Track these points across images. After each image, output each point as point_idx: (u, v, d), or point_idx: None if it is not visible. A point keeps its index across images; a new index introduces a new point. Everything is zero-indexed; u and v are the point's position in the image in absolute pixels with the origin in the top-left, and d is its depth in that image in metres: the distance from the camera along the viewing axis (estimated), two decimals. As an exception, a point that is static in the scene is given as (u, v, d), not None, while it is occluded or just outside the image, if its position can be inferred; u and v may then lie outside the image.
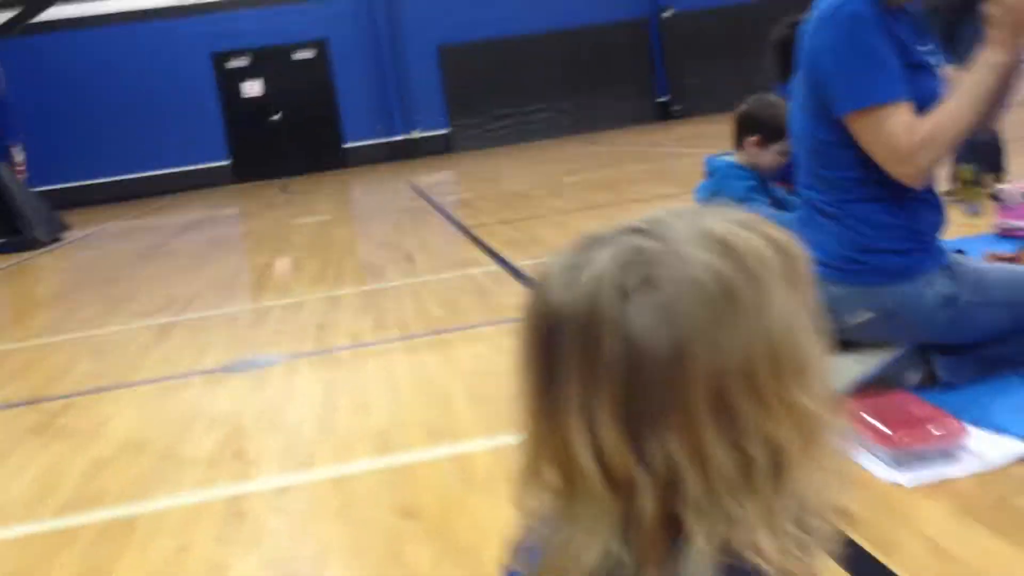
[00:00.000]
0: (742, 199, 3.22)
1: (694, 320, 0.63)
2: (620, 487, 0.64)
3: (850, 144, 2.13)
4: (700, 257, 0.64)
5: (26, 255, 9.19)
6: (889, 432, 1.91)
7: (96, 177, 16.63)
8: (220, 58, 17.08)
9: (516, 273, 4.61)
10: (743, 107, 3.38)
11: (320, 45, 17.26)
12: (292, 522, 2.13)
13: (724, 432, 0.63)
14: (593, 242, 0.68)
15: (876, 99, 2.06)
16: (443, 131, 17.58)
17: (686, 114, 17.36)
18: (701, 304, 0.63)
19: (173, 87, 16.72)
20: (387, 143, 17.50)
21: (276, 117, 17.36)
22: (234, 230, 9.56)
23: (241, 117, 17.29)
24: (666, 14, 17.35)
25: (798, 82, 2.26)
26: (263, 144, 17.38)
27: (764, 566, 0.63)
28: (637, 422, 0.64)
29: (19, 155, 16.16)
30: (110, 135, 16.56)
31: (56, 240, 10.20)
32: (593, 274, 0.65)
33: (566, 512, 0.68)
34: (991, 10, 2.03)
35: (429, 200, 9.17)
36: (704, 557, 0.63)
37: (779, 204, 3.31)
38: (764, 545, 0.63)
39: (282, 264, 6.29)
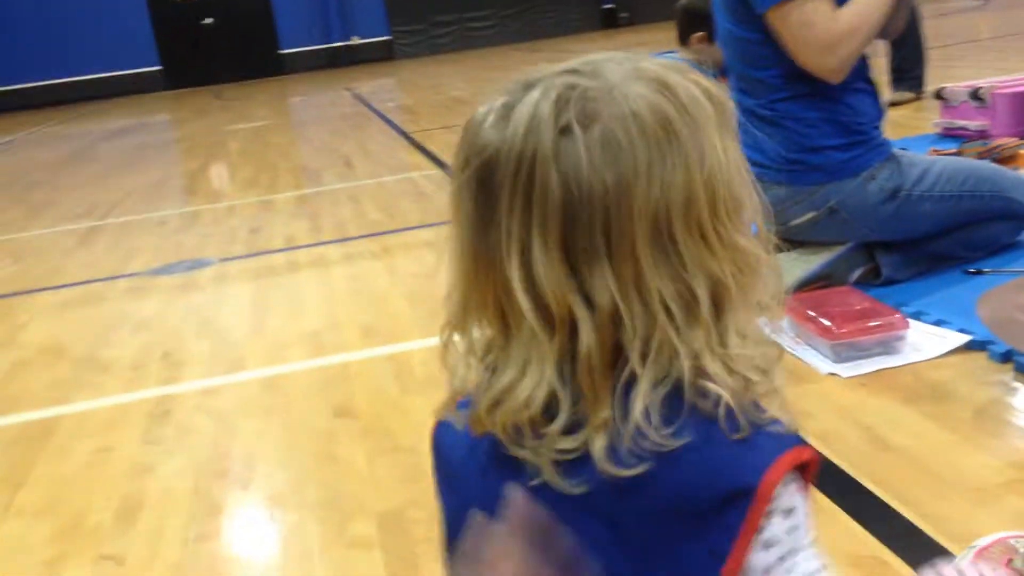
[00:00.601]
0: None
1: (634, 153, 0.62)
2: (561, 325, 0.64)
3: (775, 43, 2.09)
4: (638, 91, 0.64)
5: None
6: (829, 325, 1.89)
7: (18, 82, 15.92)
8: (148, -43, 16.30)
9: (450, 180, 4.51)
10: (684, 2, 3.28)
11: (254, -55, 16.55)
12: (221, 422, 2.05)
13: (665, 266, 0.64)
14: (526, 83, 0.67)
15: None
16: (383, 38, 17.10)
17: (633, 21, 17.10)
18: (641, 138, 0.63)
19: (98, -13, 15.95)
20: (325, 49, 16.99)
21: (208, 21, 16.71)
22: (165, 136, 9.24)
23: (171, 21, 16.60)
24: (612, -82, 16.95)
25: None
26: (195, 49, 16.74)
27: (713, 387, 0.63)
28: (578, 258, 0.63)
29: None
30: (33, 38, 15.80)
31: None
32: (528, 111, 0.64)
33: (503, 357, 0.67)
34: None
35: (369, 106, 8.93)
36: (649, 388, 0.63)
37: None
38: (712, 368, 0.64)
39: (214, 169, 6.09)
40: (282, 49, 16.95)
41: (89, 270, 3.61)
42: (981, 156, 2.72)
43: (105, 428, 2.08)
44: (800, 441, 0.65)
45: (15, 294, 3.38)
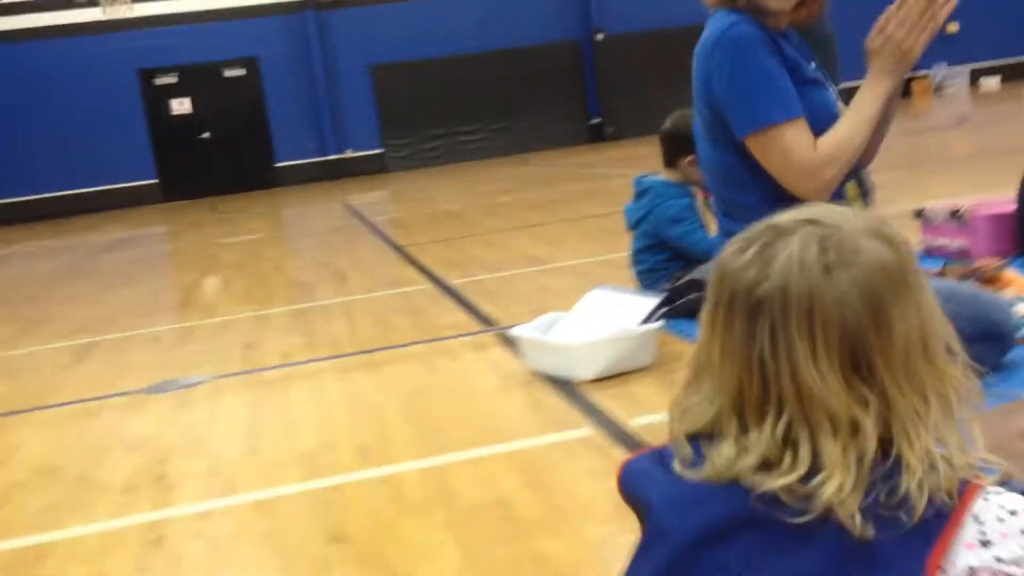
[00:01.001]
0: (677, 218, 3.22)
1: (885, 294, 0.87)
2: (846, 424, 0.86)
3: (756, 166, 2.14)
4: (876, 246, 0.88)
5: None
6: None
7: (16, 195, 16.14)
8: (148, 75, 16.75)
9: (450, 292, 4.56)
10: (671, 126, 3.39)
11: (250, 63, 17.05)
12: (214, 548, 2.04)
13: (911, 382, 0.87)
14: (774, 232, 0.90)
15: (774, 119, 2.07)
16: (376, 151, 17.47)
17: (618, 136, 17.54)
18: (888, 282, 0.87)
19: (99, 104, 16.33)
20: (319, 162, 17.33)
21: (205, 135, 17.07)
22: (160, 249, 9.34)
23: (169, 135, 16.95)
24: (598, 37, 17.54)
25: (697, 110, 2.26)
26: (192, 163, 17.06)
27: (956, 471, 0.86)
28: (853, 372, 0.86)
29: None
30: (32, 152, 16.09)
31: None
32: (792, 256, 0.88)
33: (806, 454, 0.87)
34: (873, 42, 2.08)
35: (362, 219, 9.07)
36: (915, 470, 0.84)
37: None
38: (955, 459, 0.87)
39: (209, 283, 6.15)
40: (277, 162, 17.29)
41: (82, 388, 3.61)
42: (964, 277, 2.79)
43: (98, 554, 2.06)
44: None
45: (9, 413, 3.38)
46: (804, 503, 0.85)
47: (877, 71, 2.09)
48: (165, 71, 16.79)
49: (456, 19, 17.16)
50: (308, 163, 17.30)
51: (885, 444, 0.86)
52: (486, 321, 3.80)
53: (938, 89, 15.43)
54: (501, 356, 3.21)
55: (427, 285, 4.86)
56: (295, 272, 6.17)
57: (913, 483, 0.84)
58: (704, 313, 0.95)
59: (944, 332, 0.90)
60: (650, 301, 2.87)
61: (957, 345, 0.90)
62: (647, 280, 3.39)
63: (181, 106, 17.01)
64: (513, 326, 3.15)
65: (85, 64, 16.18)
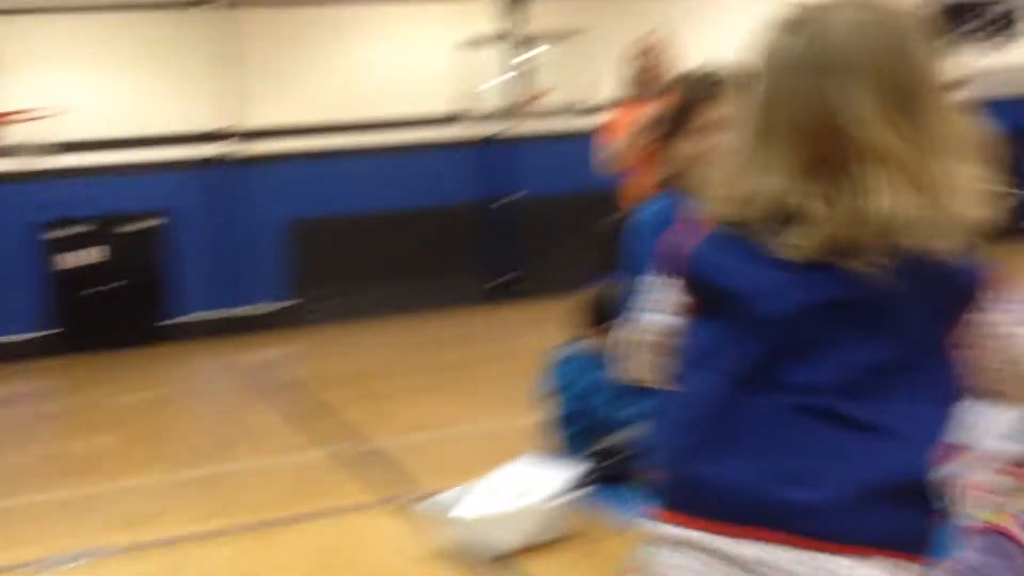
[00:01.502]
0: (594, 387, 3.16)
1: (922, 48, 1.09)
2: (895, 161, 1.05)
3: None
4: (909, 13, 1.12)
5: None
6: None
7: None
8: (49, 225, 16.39)
9: (359, 457, 4.36)
10: (595, 294, 3.37)
11: (161, 214, 16.86)
12: None
13: (939, 121, 1.08)
14: (819, 11, 1.10)
15: None
16: (285, 305, 17.26)
17: (534, 294, 17.72)
18: (924, 38, 1.09)
19: (-1, 252, 15.85)
20: (226, 316, 16.98)
21: (106, 287, 16.64)
22: (50, 407, 8.86)
23: (68, 286, 16.48)
24: (509, 198, 17.97)
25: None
26: (88, 315, 16.52)
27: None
28: (898, 114, 1.05)
29: None
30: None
31: None
32: (844, 24, 1.09)
33: (851, 188, 1.05)
34: None
35: (268, 377, 8.80)
36: (948, 195, 1.07)
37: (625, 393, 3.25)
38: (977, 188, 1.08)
39: (95, 445, 5.77)
40: (182, 316, 16.86)
41: (-56, 567, 3.26)
42: None
43: None
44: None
45: None
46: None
47: None
48: (69, 221, 16.48)
49: (377, 176, 17.42)
50: (215, 317, 16.94)
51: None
52: (397, 490, 3.60)
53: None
54: (410, 529, 3.02)
55: (342, 446, 4.65)
56: (192, 435, 5.86)
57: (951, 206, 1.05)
58: (754, 100, 1.11)
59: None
60: (569, 471, 2.75)
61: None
62: (566, 450, 3.29)
63: (82, 257, 16.63)
64: (426, 496, 2.98)
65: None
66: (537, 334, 9.51)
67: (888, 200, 1.01)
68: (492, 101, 15.59)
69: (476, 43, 15.48)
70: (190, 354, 13.62)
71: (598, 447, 3.06)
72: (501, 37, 16.49)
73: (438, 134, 17.69)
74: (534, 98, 14.72)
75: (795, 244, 1.04)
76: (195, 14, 16.93)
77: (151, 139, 16.64)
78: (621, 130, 4.24)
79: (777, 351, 1.03)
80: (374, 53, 17.70)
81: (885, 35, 1.05)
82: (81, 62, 16.46)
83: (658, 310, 1.18)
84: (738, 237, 1.08)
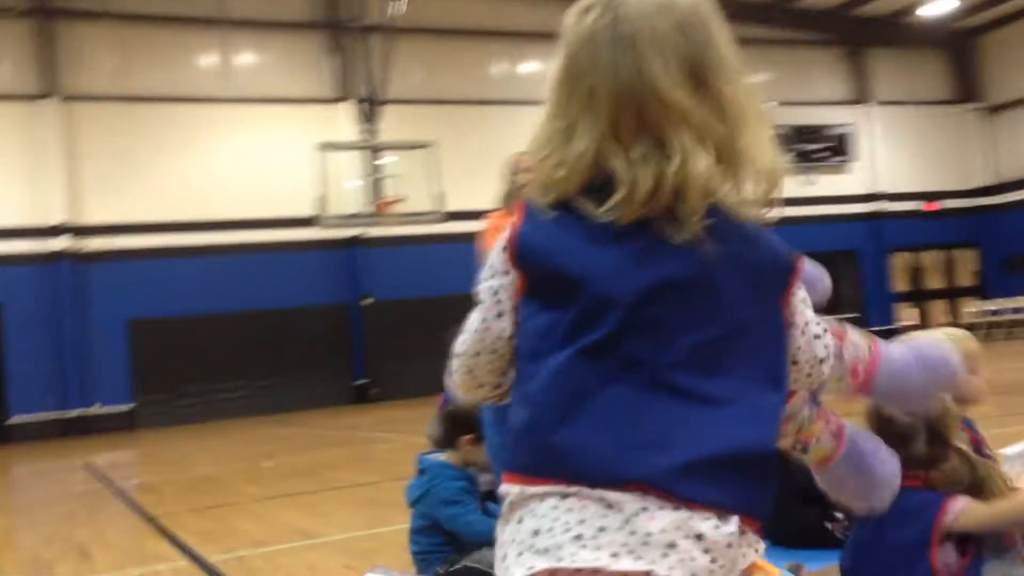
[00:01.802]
0: (453, 500, 3.24)
1: (710, 24, 1.18)
2: (696, 126, 1.14)
3: None
4: None
5: None
6: None
7: None
8: None
9: (207, 569, 4.27)
10: (452, 407, 3.47)
11: (-7, 309, 16.03)
12: None
13: (732, 91, 1.18)
14: None
15: None
16: (126, 407, 16.55)
17: (383, 397, 17.63)
18: (711, 15, 1.19)
19: None
20: (61, 419, 16.13)
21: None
22: None
23: None
24: (366, 301, 17.99)
25: None
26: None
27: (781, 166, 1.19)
28: (694, 83, 1.14)
29: None
30: None
31: None
32: (633, 5, 1.17)
33: (654, 152, 1.12)
34: None
35: (109, 484, 8.41)
36: (754, 157, 1.18)
37: (489, 502, 3.36)
38: (773, 154, 1.19)
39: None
40: (11, 415, 15.92)
41: None
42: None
43: None
44: None
45: None
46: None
47: None
48: None
49: (221, 277, 17.12)
50: (49, 418, 16.06)
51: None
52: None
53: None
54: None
55: (182, 562, 4.53)
56: (29, 548, 5.56)
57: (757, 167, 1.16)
58: (558, 75, 1.18)
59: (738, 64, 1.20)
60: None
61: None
62: (422, 563, 3.34)
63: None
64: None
65: None
66: (389, 441, 9.51)
67: (693, 162, 1.09)
68: (345, 205, 15.77)
69: (330, 147, 15.71)
70: (23, 457, 12.83)
71: (454, 564, 3.12)
72: (355, 144, 16.78)
73: (289, 235, 17.66)
74: (386, 204, 15.01)
75: (611, 208, 1.10)
76: (33, 106, 16.54)
77: (-15, 231, 15.93)
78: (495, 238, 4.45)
79: (620, 329, 1.09)
80: (227, 152, 17.63)
81: (668, 14, 1.13)
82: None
83: (493, 315, 1.20)
84: (560, 212, 1.13)
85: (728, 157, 1.13)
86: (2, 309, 16.11)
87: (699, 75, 1.14)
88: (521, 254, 1.15)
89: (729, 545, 1.07)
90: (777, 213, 1.19)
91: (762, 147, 1.16)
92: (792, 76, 22.39)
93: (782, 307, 1.20)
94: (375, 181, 15.36)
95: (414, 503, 3.39)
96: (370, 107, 15.72)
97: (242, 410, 16.77)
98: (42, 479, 10.06)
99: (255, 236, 17.34)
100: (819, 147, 22.28)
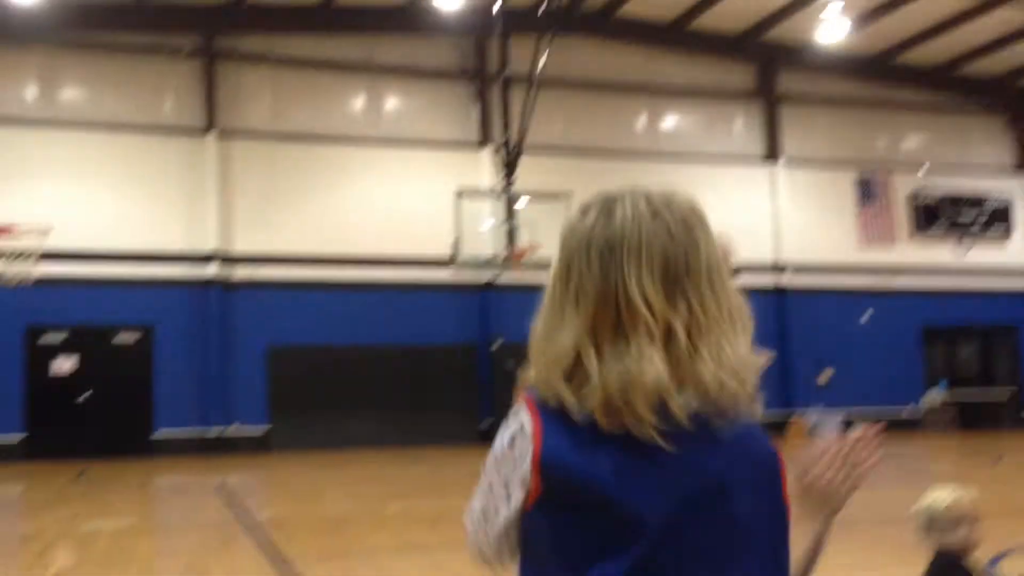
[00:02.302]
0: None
1: (698, 224, 1.26)
2: (661, 331, 1.20)
3: None
4: (682, 198, 1.28)
5: None
6: None
7: None
8: (35, 331, 16.46)
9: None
10: None
11: (146, 329, 16.98)
12: None
13: (712, 295, 1.23)
14: (610, 199, 1.27)
15: None
16: (261, 428, 17.20)
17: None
18: (695, 217, 1.26)
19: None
20: (201, 436, 16.90)
21: (83, 397, 16.58)
22: (17, 529, 8.73)
23: (47, 392, 16.42)
24: (496, 343, 18.19)
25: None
26: (66, 422, 16.42)
27: (746, 372, 1.23)
28: (672, 287, 1.22)
29: None
30: None
31: None
32: (629, 209, 1.25)
33: (624, 353, 1.20)
34: (801, 481, 2.25)
35: (242, 515, 8.76)
36: (710, 365, 1.20)
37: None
38: (745, 354, 1.24)
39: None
40: (156, 429, 16.77)
41: None
42: None
43: None
44: None
45: None
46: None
47: (805, 511, 2.22)
48: (54, 328, 16.55)
49: (360, 311, 17.67)
50: (190, 436, 16.84)
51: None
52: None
53: (812, 431, 16.32)
54: None
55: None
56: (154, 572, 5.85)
57: (709, 376, 1.20)
58: (554, 274, 1.27)
59: (730, 272, 1.28)
60: None
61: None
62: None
63: (64, 365, 16.63)
64: None
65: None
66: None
67: (654, 366, 1.17)
68: (481, 249, 16.07)
69: (469, 193, 16.05)
70: (164, 470, 13.50)
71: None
72: (493, 191, 17.10)
73: (425, 275, 18.09)
74: (520, 254, 15.19)
75: (579, 401, 1.18)
76: (194, 141, 17.52)
77: (143, 256, 16.92)
78: None
79: (653, 549, 1.16)
80: (369, 192, 18.25)
81: (658, 222, 1.22)
82: (82, 177, 16.85)
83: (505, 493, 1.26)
84: (570, 421, 1.19)
85: (688, 363, 1.20)
86: (153, 329, 17.03)
87: (677, 280, 1.22)
88: (547, 471, 1.19)
89: None
90: (759, 409, 1.26)
91: (731, 349, 1.22)
92: (951, 142, 21.71)
93: (784, 497, 1.31)
94: (510, 228, 15.57)
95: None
96: (509, 155, 15.99)
97: (371, 440, 17.16)
98: (181, 502, 10.54)
99: (392, 274, 17.83)
100: (977, 216, 21.37)
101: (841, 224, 20.91)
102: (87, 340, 16.68)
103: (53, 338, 16.58)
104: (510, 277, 17.34)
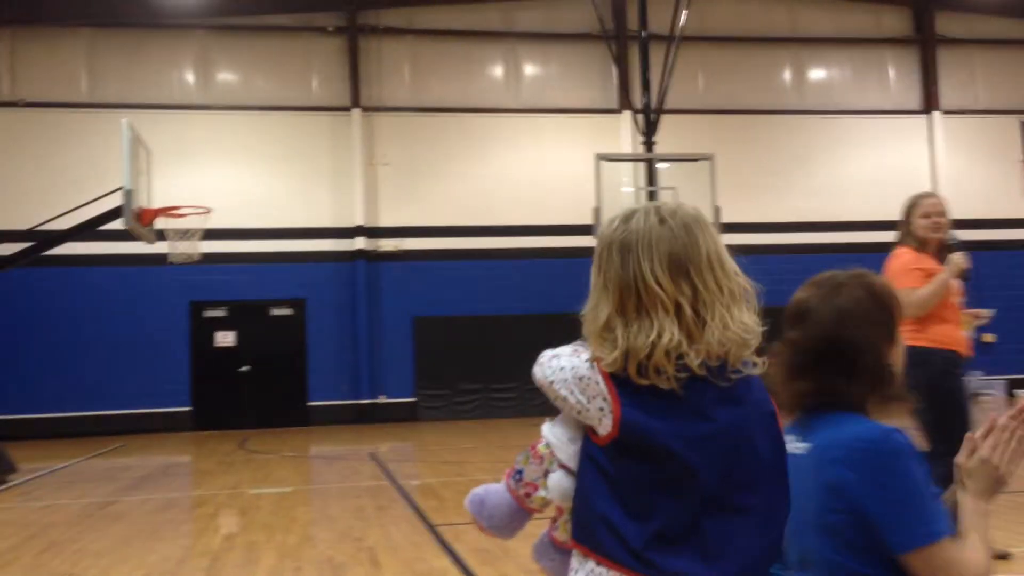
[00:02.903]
0: None
1: (697, 227, 1.64)
2: (673, 307, 1.60)
3: None
4: (687, 209, 1.67)
5: (-34, 500, 8.81)
6: None
7: (56, 410, 16.32)
8: (198, 307, 17.34)
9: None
10: None
11: (297, 304, 17.63)
12: None
13: (712, 279, 1.62)
14: (628, 212, 1.67)
15: (938, 534, 2.02)
16: (408, 400, 17.62)
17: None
18: (696, 223, 1.65)
19: (148, 329, 16.85)
20: (352, 405, 17.47)
21: (244, 369, 17.39)
22: (188, 494, 9.24)
23: (210, 365, 17.31)
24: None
25: (815, 513, 2.16)
26: (227, 394, 17.29)
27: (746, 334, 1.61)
28: (678, 274, 1.60)
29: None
30: (75, 369, 16.44)
31: (1, 483, 9.82)
32: (642, 218, 1.66)
33: (648, 326, 1.59)
34: (967, 463, 2.09)
35: (393, 481, 9.00)
36: (715, 331, 1.58)
37: None
38: (747, 320, 1.63)
39: (237, 548, 6.03)
40: (310, 401, 17.45)
41: None
42: None
43: None
44: None
45: None
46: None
47: (973, 492, 2.09)
48: (215, 304, 17.39)
49: (500, 280, 17.80)
50: (340, 404, 17.44)
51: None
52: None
53: (974, 399, 15.50)
54: None
55: (462, 583, 4.73)
56: (326, 546, 6.05)
57: (714, 339, 1.58)
58: (592, 267, 1.68)
59: (731, 258, 1.67)
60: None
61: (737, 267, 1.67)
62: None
63: (225, 339, 17.46)
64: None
65: (141, 292, 16.84)
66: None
67: (664, 335, 1.57)
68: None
69: (608, 158, 15.84)
70: (319, 438, 14.06)
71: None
72: (633, 156, 16.83)
73: (566, 242, 18.02)
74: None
75: (679, 367, 1.58)
76: (339, 117, 17.96)
77: (294, 231, 17.54)
78: (908, 276, 4.61)
79: (713, 474, 1.60)
80: (510, 160, 18.29)
81: (665, 227, 1.63)
82: (237, 158, 17.57)
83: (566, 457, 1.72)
84: (645, 390, 1.60)
85: (697, 330, 1.59)
86: (304, 304, 17.66)
87: (681, 269, 1.61)
88: (627, 431, 1.61)
89: None
90: (761, 365, 1.65)
91: (731, 318, 1.61)
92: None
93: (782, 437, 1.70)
94: (650, 192, 15.31)
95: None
96: (649, 117, 15.68)
97: (514, 411, 17.33)
98: (335, 468, 10.92)
99: (534, 242, 17.87)
100: None
101: (1004, 174, 19.64)
102: (245, 314, 17.46)
103: (215, 312, 17.44)
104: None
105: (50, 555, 5.98)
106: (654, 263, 1.60)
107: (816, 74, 19.52)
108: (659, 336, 1.57)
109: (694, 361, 1.57)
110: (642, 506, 1.59)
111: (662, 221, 1.63)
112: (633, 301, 1.60)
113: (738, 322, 1.60)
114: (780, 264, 17.39)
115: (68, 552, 6.05)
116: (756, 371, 1.64)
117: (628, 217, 1.67)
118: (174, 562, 5.66)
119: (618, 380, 1.61)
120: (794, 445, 1.99)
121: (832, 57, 19.59)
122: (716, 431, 1.60)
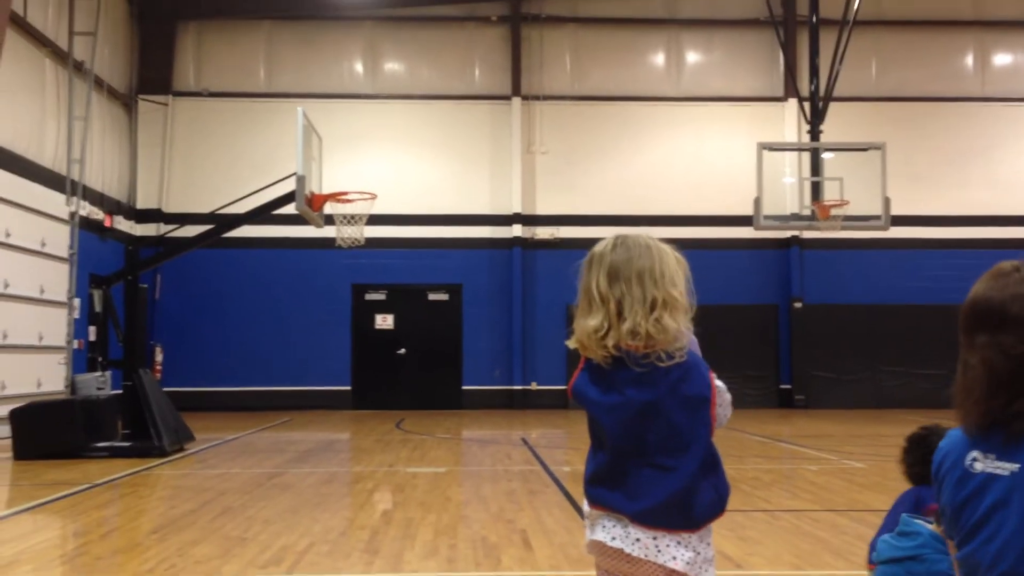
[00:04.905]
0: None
1: (638, 251, 2.26)
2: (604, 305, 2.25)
3: None
4: (642, 240, 2.28)
5: (149, 463, 9.43)
6: None
7: (228, 384, 17.28)
8: (360, 289, 17.96)
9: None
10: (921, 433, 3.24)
11: (454, 289, 18.00)
12: None
13: (638, 288, 2.22)
14: (601, 242, 2.29)
15: None
16: (559, 387, 17.71)
17: (808, 405, 17.06)
18: (637, 247, 2.27)
19: (314, 310, 17.60)
20: (504, 390, 17.71)
21: (402, 351, 17.91)
22: (350, 470, 9.60)
23: (369, 347, 17.91)
24: (797, 304, 17.48)
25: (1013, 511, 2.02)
26: (385, 375, 17.85)
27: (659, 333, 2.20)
28: (612, 283, 2.25)
29: (159, 355, 17.01)
30: (245, 346, 17.35)
31: (180, 450, 10.46)
32: (602, 245, 2.30)
33: (586, 317, 2.24)
34: None
35: (544, 467, 9.07)
36: (628, 324, 2.21)
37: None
38: (664, 322, 2.20)
39: (396, 523, 6.22)
40: (464, 385, 17.81)
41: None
42: None
43: None
44: None
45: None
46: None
47: None
48: (376, 288, 17.96)
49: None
50: (492, 390, 17.71)
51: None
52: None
53: None
54: None
55: (615, 572, 4.71)
56: (480, 527, 6.16)
57: (626, 330, 2.17)
58: (583, 282, 2.26)
59: (674, 276, 2.23)
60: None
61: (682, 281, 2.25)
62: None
63: (384, 321, 18.02)
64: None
65: (306, 274, 17.58)
66: (817, 460, 9.06)
67: (596, 320, 2.18)
68: (783, 206, 15.40)
69: (772, 147, 15.39)
70: (472, 423, 14.33)
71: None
72: (798, 145, 16.26)
73: (725, 233, 17.67)
74: (827, 208, 14.40)
75: (602, 347, 2.17)
76: (499, 106, 18.17)
77: (453, 218, 17.91)
78: None
79: (624, 435, 2.18)
80: (670, 149, 18.05)
81: (615, 251, 2.23)
82: (401, 146, 18.06)
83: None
84: (594, 367, 2.24)
85: (616, 323, 2.18)
86: (460, 289, 18.00)
87: (616, 278, 2.20)
88: (575, 395, 2.28)
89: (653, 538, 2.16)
90: (683, 355, 2.18)
91: (645, 317, 2.16)
92: None
93: (710, 412, 2.19)
94: (815, 183, 14.79)
95: (885, 561, 3.15)
96: (816, 105, 15.13)
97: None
98: (488, 451, 11.09)
99: (691, 232, 17.58)
100: None
101: None
102: (403, 298, 17.96)
103: (375, 296, 18.02)
104: (813, 234, 16.53)
105: (224, 519, 6.34)
106: (600, 274, 2.21)
107: (1002, 59, 18.36)
108: (588, 323, 2.19)
109: (610, 343, 2.17)
110: (592, 453, 2.27)
111: (615, 247, 2.24)
112: (586, 301, 2.22)
113: (652, 321, 2.14)
114: (959, 260, 16.57)
115: (240, 518, 6.39)
116: (668, 363, 2.16)
117: (598, 245, 2.29)
118: (336, 533, 5.90)
119: (589, 359, 2.24)
120: (996, 464, 1.79)
121: (1018, 42, 18.37)
122: (622, 403, 2.17)
